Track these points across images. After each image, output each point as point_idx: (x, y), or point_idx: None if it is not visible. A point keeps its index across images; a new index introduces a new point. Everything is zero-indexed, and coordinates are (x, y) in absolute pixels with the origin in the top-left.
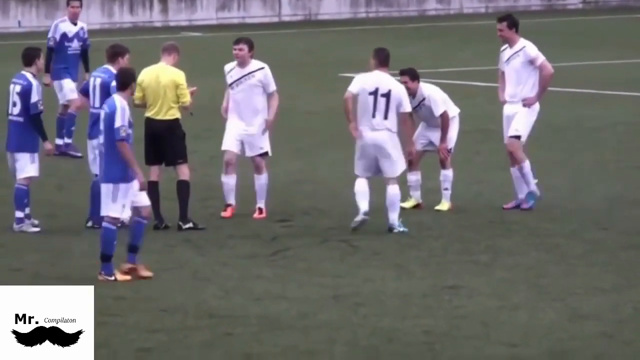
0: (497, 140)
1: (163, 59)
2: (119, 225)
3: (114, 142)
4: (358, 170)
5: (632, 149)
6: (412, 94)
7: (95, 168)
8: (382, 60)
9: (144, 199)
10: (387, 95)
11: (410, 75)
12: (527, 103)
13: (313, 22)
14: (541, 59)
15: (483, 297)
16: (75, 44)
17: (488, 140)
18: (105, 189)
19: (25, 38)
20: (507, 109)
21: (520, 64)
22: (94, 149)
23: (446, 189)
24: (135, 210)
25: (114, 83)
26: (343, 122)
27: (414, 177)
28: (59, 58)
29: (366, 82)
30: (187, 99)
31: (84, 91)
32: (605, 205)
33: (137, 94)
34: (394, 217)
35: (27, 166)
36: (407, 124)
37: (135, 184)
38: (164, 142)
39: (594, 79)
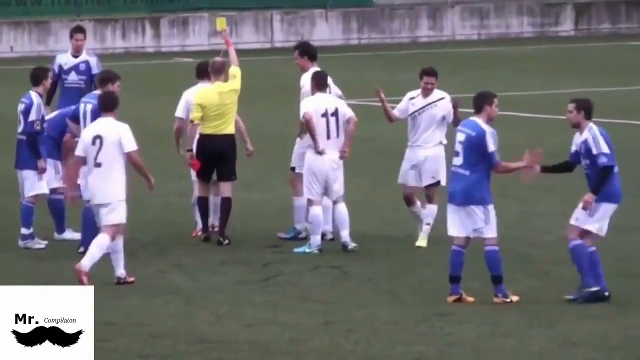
0: None
1: (215, 80)
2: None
3: (478, 164)
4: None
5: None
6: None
7: (86, 194)
8: (321, 84)
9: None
10: (335, 114)
11: (435, 76)
12: (298, 135)
13: None
14: (304, 88)
15: (474, 324)
16: (74, 77)
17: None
18: (480, 211)
19: (18, 63)
20: None
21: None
22: (85, 175)
23: (428, 224)
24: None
25: None
26: None
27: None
28: (59, 91)
29: (317, 104)
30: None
31: (74, 117)
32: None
33: (197, 114)
34: (346, 234)
35: (35, 184)
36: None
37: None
38: (224, 158)
39: None
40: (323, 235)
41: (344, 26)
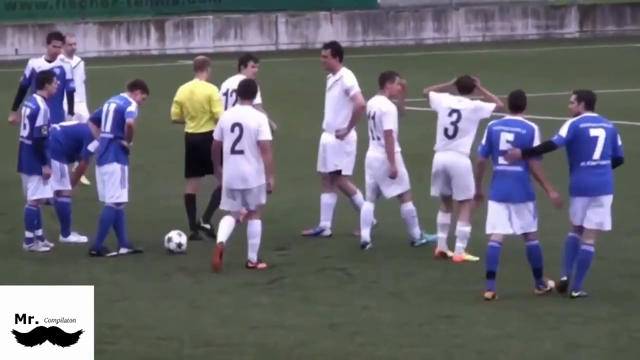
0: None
1: (197, 76)
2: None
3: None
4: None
5: (629, 178)
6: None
7: (102, 196)
8: (378, 82)
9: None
10: (374, 117)
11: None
12: (339, 134)
13: (310, 51)
14: (355, 90)
15: (479, 326)
16: None
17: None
18: (530, 207)
19: (22, 66)
20: (323, 138)
21: (338, 93)
22: (102, 176)
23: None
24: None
25: (129, 108)
26: None
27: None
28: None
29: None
30: (218, 109)
31: (96, 120)
32: (602, 234)
33: (175, 110)
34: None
35: (38, 188)
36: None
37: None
38: (204, 153)
39: None
40: (321, 231)
41: (349, 28)
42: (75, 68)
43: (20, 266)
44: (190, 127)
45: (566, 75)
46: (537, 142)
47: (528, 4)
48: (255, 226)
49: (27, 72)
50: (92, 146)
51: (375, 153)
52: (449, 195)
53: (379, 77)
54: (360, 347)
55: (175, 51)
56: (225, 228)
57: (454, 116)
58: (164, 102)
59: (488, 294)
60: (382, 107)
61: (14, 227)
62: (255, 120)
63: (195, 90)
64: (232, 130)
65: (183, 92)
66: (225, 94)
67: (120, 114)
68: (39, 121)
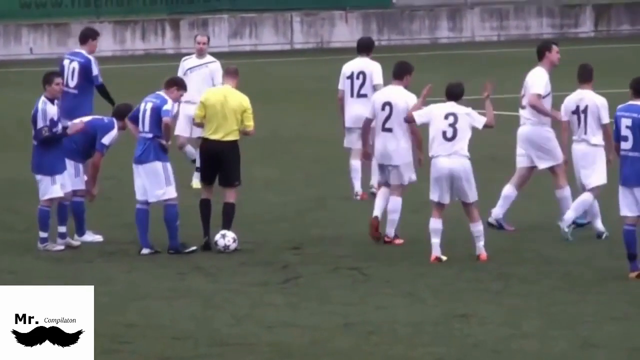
0: (508, 168)
1: (227, 82)
2: None
3: None
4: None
5: None
6: None
7: (140, 194)
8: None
9: None
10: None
11: None
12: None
13: (325, 50)
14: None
15: (494, 325)
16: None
17: (500, 168)
18: None
19: (37, 65)
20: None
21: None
22: (142, 175)
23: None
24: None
25: (165, 107)
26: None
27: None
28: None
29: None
30: (251, 123)
31: (133, 118)
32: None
33: (199, 112)
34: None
35: (48, 188)
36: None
37: None
38: (222, 163)
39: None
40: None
41: (364, 27)
42: (200, 66)
43: (35, 265)
44: (213, 134)
45: None
46: None
47: (543, 3)
48: (395, 203)
49: (98, 71)
50: (107, 139)
51: (580, 145)
52: (444, 202)
53: (580, 70)
54: (375, 346)
55: (191, 50)
56: (380, 201)
57: (451, 119)
58: None
59: (633, 275)
60: (597, 101)
61: (29, 226)
62: (404, 99)
63: (228, 97)
64: (383, 108)
65: (214, 95)
66: (350, 77)
67: (157, 112)
68: (39, 123)
